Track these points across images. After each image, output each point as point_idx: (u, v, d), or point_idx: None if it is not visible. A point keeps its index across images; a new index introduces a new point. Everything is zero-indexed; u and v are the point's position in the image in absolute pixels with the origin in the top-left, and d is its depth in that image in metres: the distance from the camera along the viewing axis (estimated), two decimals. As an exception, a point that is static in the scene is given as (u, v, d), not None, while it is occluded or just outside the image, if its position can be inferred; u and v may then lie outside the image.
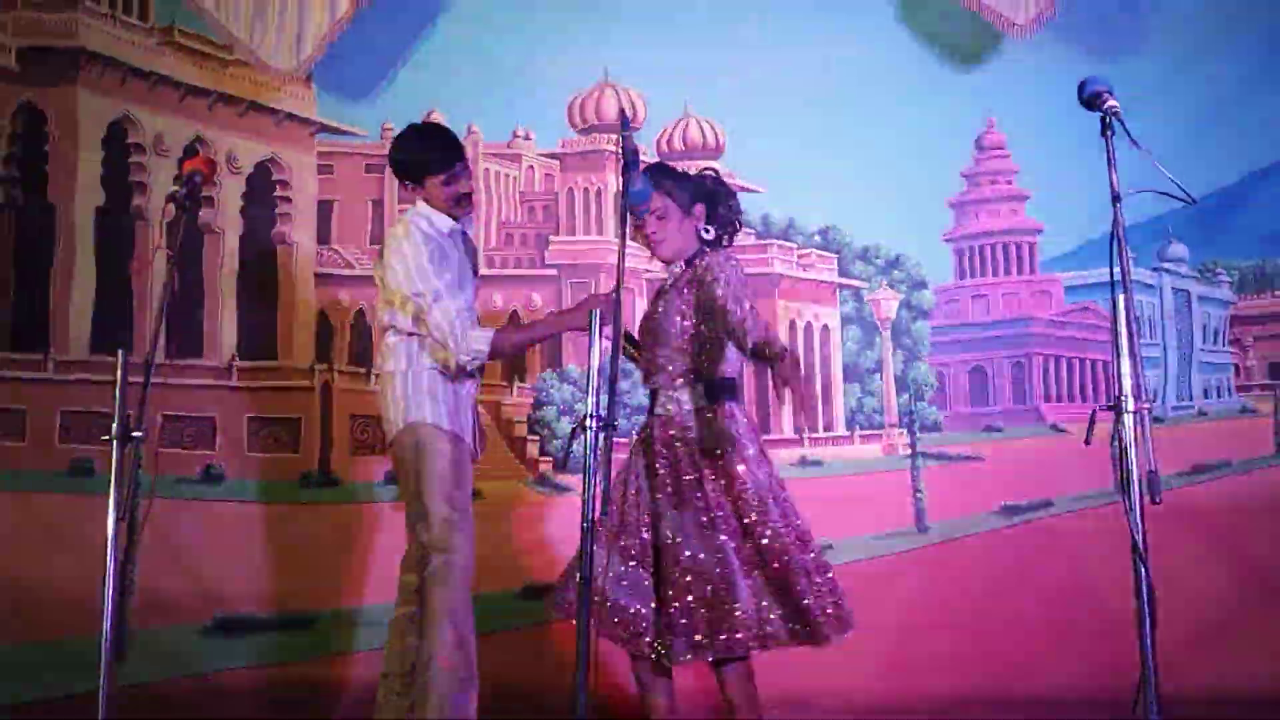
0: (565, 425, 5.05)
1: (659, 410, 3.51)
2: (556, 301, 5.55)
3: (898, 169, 5.21)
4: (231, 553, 5.03)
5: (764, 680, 4.63)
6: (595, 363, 3.19)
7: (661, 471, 3.45)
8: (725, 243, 3.64)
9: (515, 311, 5.66)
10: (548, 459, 5.21)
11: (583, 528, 3.13)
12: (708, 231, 3.59)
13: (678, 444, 3.46)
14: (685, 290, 3.51)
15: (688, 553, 3.35)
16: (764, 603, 3.35)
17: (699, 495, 3.41)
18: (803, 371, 3.30)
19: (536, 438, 5.28)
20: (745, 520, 3.38)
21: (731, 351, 3.48)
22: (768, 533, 3.37)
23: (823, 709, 4.52)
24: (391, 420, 3.74)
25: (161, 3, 5.67)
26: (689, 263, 3.56)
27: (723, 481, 3.41)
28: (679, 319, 3.53)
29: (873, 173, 5.22)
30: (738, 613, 3.30)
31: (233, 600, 4.99)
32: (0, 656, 4.95)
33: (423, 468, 3.66)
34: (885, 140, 5.18)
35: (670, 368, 3.50)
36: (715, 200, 3.61)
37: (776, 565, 3.36)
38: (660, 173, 3.61)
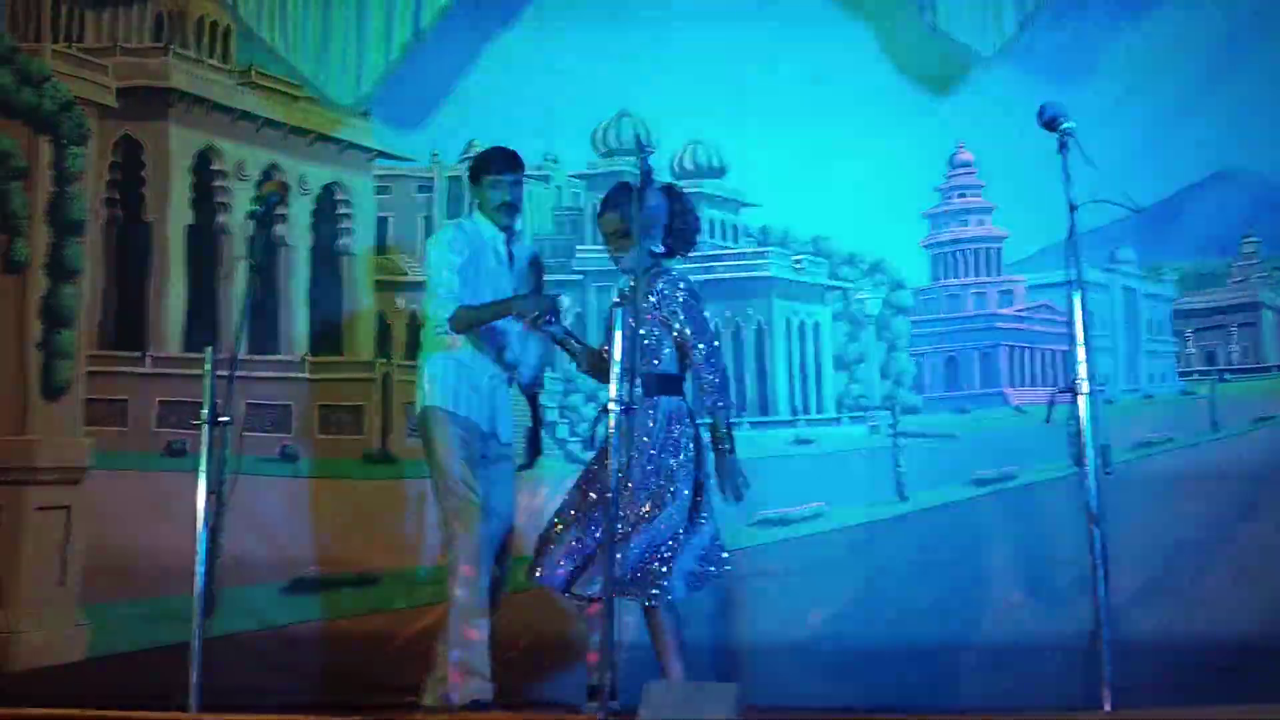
0: (591, 409, 5.04)
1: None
2: (582, 302, 5.54)
3: (879, 185, 5.18)
4: (305, 521, 5.03)
5: (764, 628, 4.66)
6: (617, 353, 3.18)
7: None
8: (681, 254, 3.60)
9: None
10: (576, 439, 5.20)
11: (608, 498, 3.12)
12: (660, 248, 3.55)
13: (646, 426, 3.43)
14: (641, 303, 3.45)
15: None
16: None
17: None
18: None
19: (566, 421, 5.27)
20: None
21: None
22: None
23: (819, 651, 4.51)
24: (415, 403, 3.78)
25: (241, 47, 5.66)
26: (644, 273, 3.48)
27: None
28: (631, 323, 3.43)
29: (858, 188, 5.18)
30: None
31: (306, 562, 5.00)
32: (108, 612, 4.99)
33: (430, 447, 3.68)
34: (869, 159, 5.14)
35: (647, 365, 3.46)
36: (672, 217, 3.57)
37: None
38: (620, 193, 3.55)
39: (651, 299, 3.47)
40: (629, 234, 3.49)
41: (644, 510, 3.39)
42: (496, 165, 3.84)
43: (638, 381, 3.30)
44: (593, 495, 3.43)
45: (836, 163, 5.18)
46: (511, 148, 3.93)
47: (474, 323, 3.70)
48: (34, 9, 5.51)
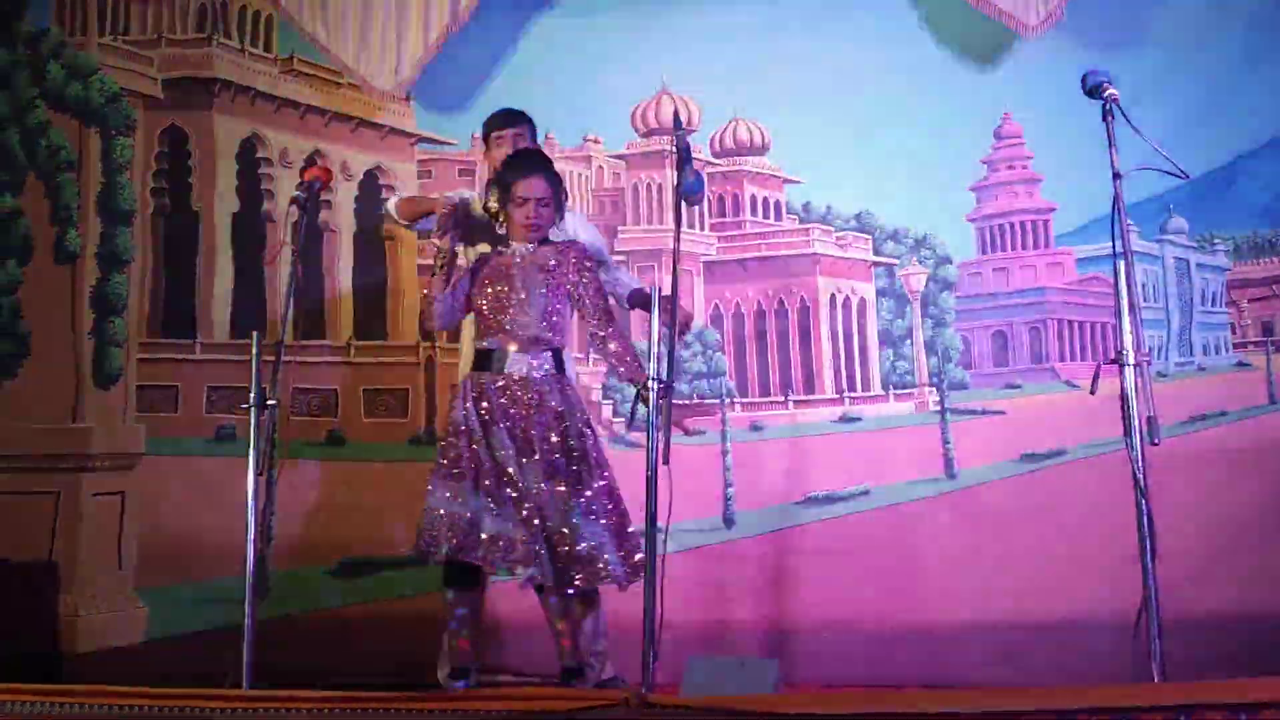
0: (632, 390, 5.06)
1: (509, 370, 3.47)
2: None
3: (925, 158, 5.13)
4: (353, 504, 5.10)
5: (810, 606, 4.66)
6: (655, 335, 3.20)
7: (506, 425, 3.42)
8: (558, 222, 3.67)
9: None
10: (620, 419, 5.23)
11: (647, 476, 3.15)
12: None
13: (532, 403, 3.45)
14: (554, 268, 3.52)
15: (534, 493, 3.36)
16: (599, 544, 3.37)
17: (547, 448, 3.42)
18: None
19: (610, 401, 5.30)
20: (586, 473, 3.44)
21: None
22: (590, 491, 3.43)
23: (864, 631, 4.51)
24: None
25: (283, 36, 5.72)
26: (544, 241, 3.58)
27: (571, 441, 3.44)
28: (545, 292, 3.50)
29: (902, 162, 5.14)
30: (579, 550, 3.36)
31: (355, 544, 5.07)
32: (162, 595, 5.11)
33: None
34: (913, 133, 5.10)
35: (526, 334, 3.48)
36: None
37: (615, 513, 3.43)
38: (543, 159, 3.66)
39: (568, 271, 3.54)
40: (557, 204, 3.58)
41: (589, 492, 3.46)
42: (494, 123, 3.94)
43: (547, 356, 3.46)
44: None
45: (880, 137, 5.14)
46: (517, 108, 4.02)
47: (411, 215, 3.90)
48: (80, 3, 5.62)
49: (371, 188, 5.77)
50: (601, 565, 3.37)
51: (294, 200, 3.89)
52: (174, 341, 5.48)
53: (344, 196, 5.70)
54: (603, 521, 3.41)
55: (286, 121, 5.69)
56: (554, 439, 3.45)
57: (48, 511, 5.19)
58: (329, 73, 5.63)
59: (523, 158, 3.65)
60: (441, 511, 3.38)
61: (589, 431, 3.54)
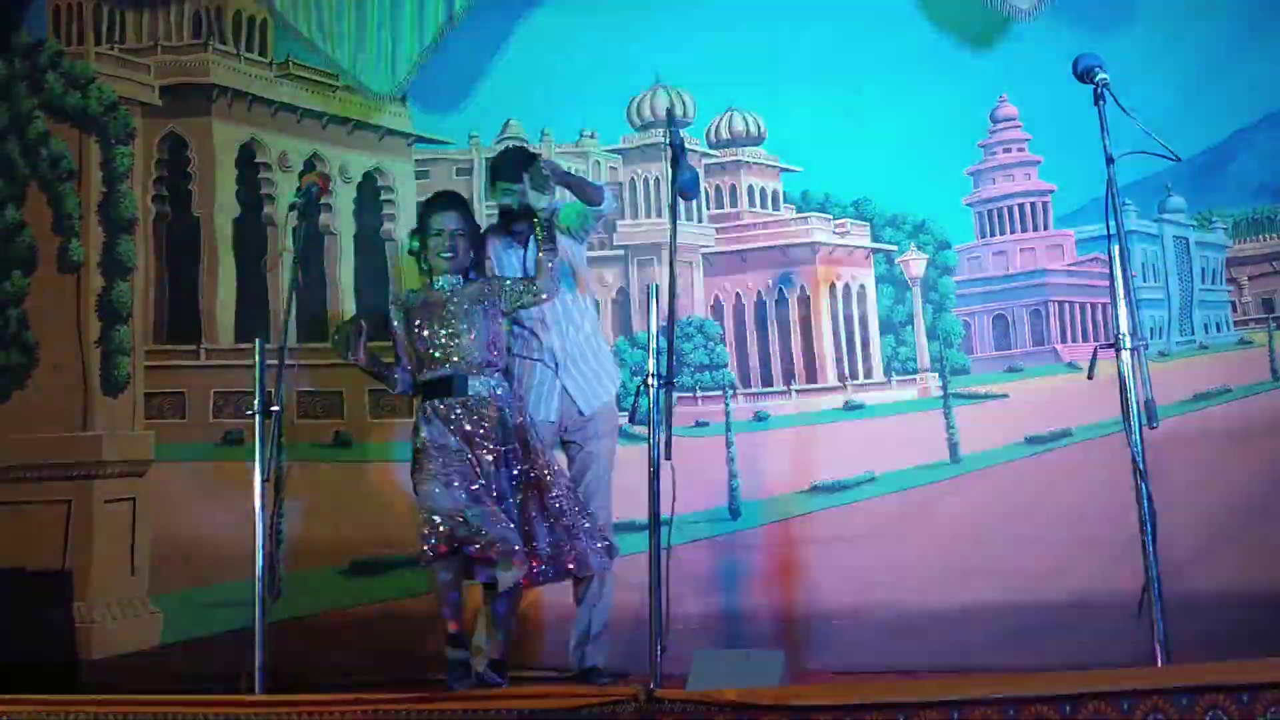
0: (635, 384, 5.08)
1: (472, 391, 3.66)
2: (624, 277, 5.56)
3: (921, 144, 5.13)
4: (361, 505, 5.12)
5: (818, 594, 4.68)
6: (655, 330, 3.21)
7: (478, 438, 3.62)
8: None
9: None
10: (623, 414, 5.23)
11: (650, 470, 3.17)
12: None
13: (495, 419, 3.65)
14: (486, 296, 3.73)
15: (509, 501, 3.60)
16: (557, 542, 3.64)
17: (513, 459, 3.66)
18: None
19: (613, 396, 5.30)
20: (543, 480, 3.68)
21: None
22: (557, 491, 3.68)
23: (872, 615, 4.52)
24: None
25: (279, 40, 5.73)
26: (468, 279, 3.79)
27: (531, 450, 3.71)
28: (484, 321, 3.71)
29: (899, 148, 5.14)
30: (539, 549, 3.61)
31: (364, 545, 5.09)
32: (175, 599, 5.15)
33: None
34: (910, 119, 5.09)
35: (475, 361, 3.67)
36: None
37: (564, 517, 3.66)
38: (465, 203, 3.89)
39: (498, 299, 3.77)
40: (472, 237, 3.83)
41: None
42: (499, 171, 3.96)
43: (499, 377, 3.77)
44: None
45: (876, 124, 5.13)
46: (521, 149, 4.06)
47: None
48: (76, 12, 5.64)
49: (370, 189, 5.78)
50: (578, 557, 3.62)
51: (293, 206, 3.92)
52: (179, 348, 5.50)
53: (343, 199, 5.71)
54: (566, 521, 3.65)
55: (284, 125, 5.71)
56: (516, 451, 3.68)
57: (60, 519, 5.23)
58: (325, 75, 5.64)
59: (439, 197, 3.92)
60: (438, 505, 3.47)
61: (541, 441, 3.80)
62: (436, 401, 3.66)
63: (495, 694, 3.26)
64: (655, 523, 3.09)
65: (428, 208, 3.83)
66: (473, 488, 3.53)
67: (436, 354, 3.69)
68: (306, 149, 5.70)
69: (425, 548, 3.49)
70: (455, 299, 3.71)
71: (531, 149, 4.50)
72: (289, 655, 3.90)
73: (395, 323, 3.81)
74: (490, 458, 3.61)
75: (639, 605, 3.48)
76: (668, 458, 3.16)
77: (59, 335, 5.44)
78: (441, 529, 3.46)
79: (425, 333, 3.70)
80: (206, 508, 5.02)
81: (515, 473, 3.65)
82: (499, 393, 3.69)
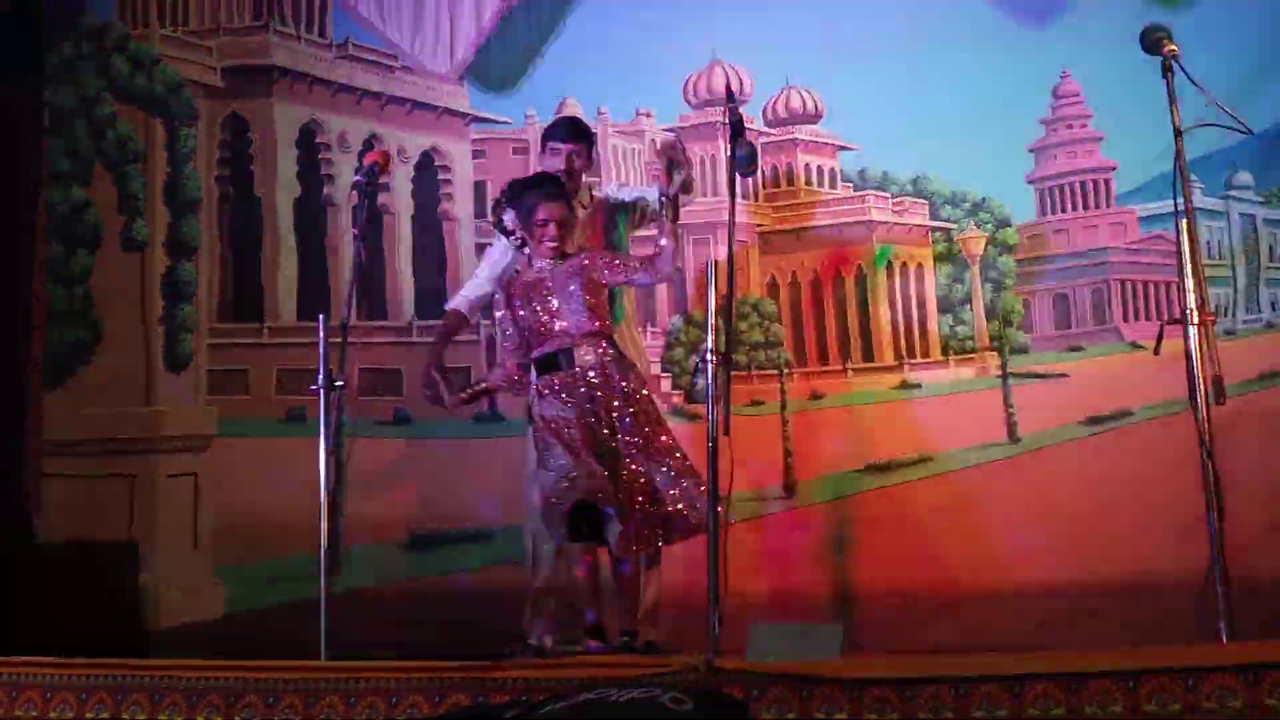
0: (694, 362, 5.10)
1: (578, 365, 3.66)
2: (680, 255, 5.56)
3: (982, 120, 5.06)
4: (420, 480, 5.20)
5: (873, 572, 4.68)
6: (713, 307, 3.23)
7: (589, 411, 3.61)
8: None
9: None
10: (678, 391, 5.28)
11: (708, 448, 3.19)
12: None
13: (608, 386, 3.63)
14: (583, 270, 3.72)
15: (634, 467, 3.56)
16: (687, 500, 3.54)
17: (628, 424, 3.61)
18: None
19: (669, 375, 5.34)
20: (659, 445, 3.61)
21: None
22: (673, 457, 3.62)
23: (928, 597, 4.52)
24: None
25: (338, 21, 5.80)
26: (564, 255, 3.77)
27: (632, 409, 3.63)
28: (582, 293, 3.70)
29: (959, 125, 5.07)
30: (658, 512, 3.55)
31: (423, 519, 5.17)
32: (239, 572, 5.27)
33: None
34: (970, 95, 5.03)
35: (581, 332, 3.68)
36: None
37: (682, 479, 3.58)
38: (564, 185, 3.85)
39: (595, 271, 3.76)
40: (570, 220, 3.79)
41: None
42: (554, 133, 4.01)
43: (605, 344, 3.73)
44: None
45: (935, 100, 5.08)
46: (574, 116, 4.06)
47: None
48: (141, -4, 5.76)
49: (428, 169, 5.84)
50: (689, 516, 3.52)
51: (354, 185, 3.98)
52: (242, 327, 5.62)
53: (401, 179, 5.78)
54: (685, 482, 3.56)
55: (344, 106, 5.78)
56: (630, 416, 3.62)
57: (125, 493, 5.37)
58: (384, 55, 5.71)
59: (542, 182, 3.86)
60: (564, 472, 3.49)
61: (653, 403, 3.76)
62: (549, 377, 3.69)
63: (557, 663, 3.31)
64: (714, 497, 3.11)
65: (532, 193, 3.77)
66: (591, 456, 3.53)
67: (542, 331, 3.71)
68: (366, 129, 5.77)
69: (553, 514, 3.52)
70: (555, 276, 3.72)
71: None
72: (350, 628, 3.98)
73: (500, 309, 3.85)
74: (606, 426, 3.60)
75: (688, 583, 3.51)
76: (726, 433, 3.17)
77: (123, 313, 5.58)
78: (567, 493, 3.48)
79: (525, 312, 3.74)
80: (269, 483, 5.12)
81: (631, 439, 3.60)
82: (608, 359, 3.68)
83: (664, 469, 3.57)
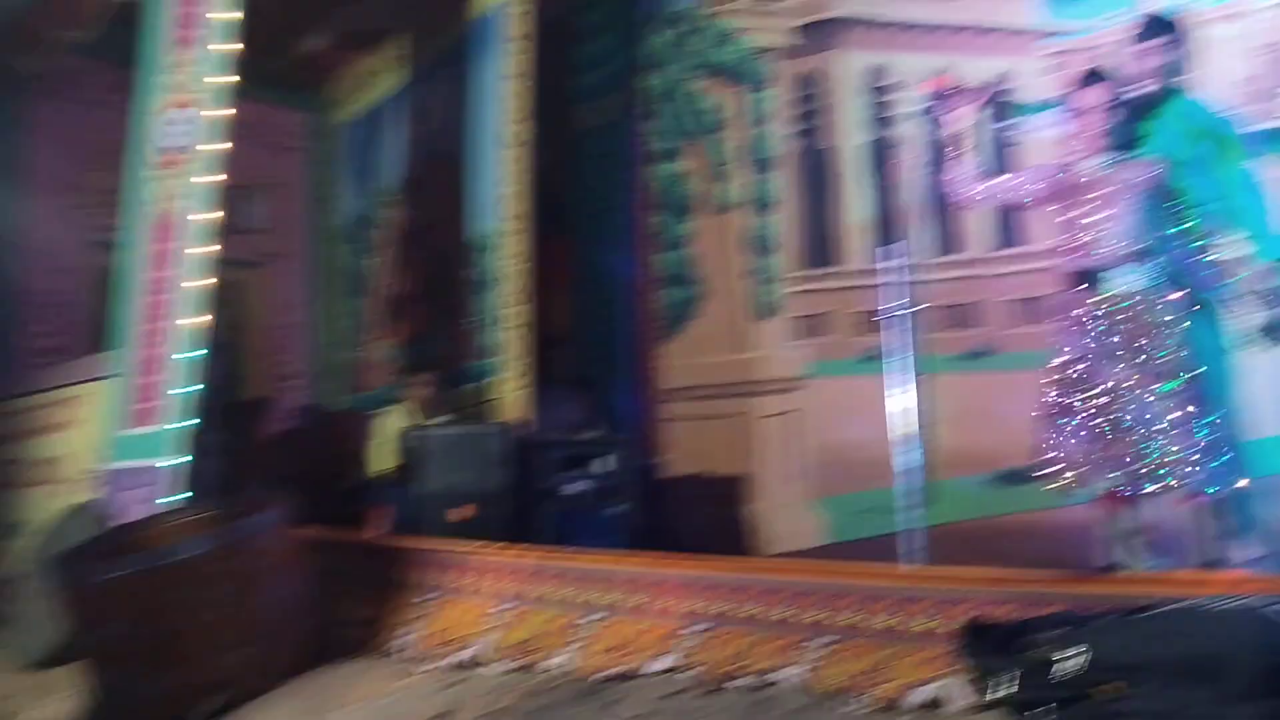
0: None
1: (1111, 290, 3.33)
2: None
3: None
4: (1004, 414, 5.07)
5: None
6: None
7: (1111, 345, 3.26)
8: None
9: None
10: None
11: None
12: None
13: (1139, 321, 3.26)
14: (1138, 184, 3.33)
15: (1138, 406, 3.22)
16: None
17: (1149, 362, 3.25)
18: None
19: None
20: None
21: None
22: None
23: None
24: None
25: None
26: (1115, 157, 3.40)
27: (1171, 353, 3.26)
28: (1129, 208, 3.32)
29: None
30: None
31: (1009, 456, 5.04)
32: (835, 504, 5.56)
33: None
34: None
35: (1116, 254, 3.30)
36: None
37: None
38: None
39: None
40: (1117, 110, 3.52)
41: None
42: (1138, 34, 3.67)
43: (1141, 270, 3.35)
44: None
45: None
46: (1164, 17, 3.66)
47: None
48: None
49: (998, 94, 5.62)
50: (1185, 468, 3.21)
51: (920, 115, 3.97)
52: (819, 272, 5.88)
53: (967, 106, 5.61)
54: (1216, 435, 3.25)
55: (912, 42, 5.76)
56: (1159, 353, 3.32)
57: (731, 431, 5.92)
58: (943, -16, 5.59)
59: (1087, 74, 3.55)
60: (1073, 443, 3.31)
61: (1186, 343, 3.36)
62: (1077, 297, 3.48)
63: (1150, 577, 3.12)
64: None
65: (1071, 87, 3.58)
66: (1097, 401, 3.32)
67: (1074, 244, 3.48)
68: (931, 64, 5.69)
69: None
70: (1103, 181, 3.46)
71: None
72: (939, 561, 4.02)
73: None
74: (1132, 373, 3.30)
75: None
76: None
77: (719, 269, 6.12)
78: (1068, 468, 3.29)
79: (1060, 219, 3.51)
80: (855, 419, 5.32)
81: (1157, 389, 3.27)
82: (1144, 288, 3.36)
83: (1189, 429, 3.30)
